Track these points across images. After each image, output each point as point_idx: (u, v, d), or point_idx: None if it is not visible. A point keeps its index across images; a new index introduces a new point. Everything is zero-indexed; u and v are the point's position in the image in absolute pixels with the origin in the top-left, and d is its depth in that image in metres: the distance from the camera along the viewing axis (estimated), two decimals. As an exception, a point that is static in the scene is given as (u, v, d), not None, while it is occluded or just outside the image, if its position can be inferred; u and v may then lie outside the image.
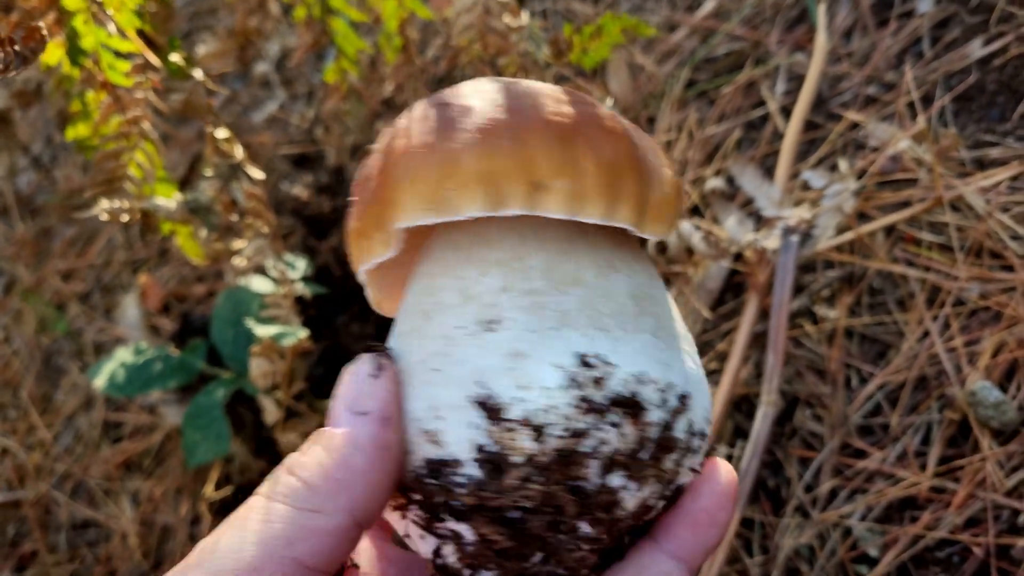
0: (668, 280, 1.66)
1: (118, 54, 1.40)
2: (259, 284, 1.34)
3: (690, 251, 1.58)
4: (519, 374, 0.61)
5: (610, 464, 0.61)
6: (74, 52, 1.44)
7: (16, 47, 1.21)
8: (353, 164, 1.87)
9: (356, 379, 0.62)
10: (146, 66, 1.42)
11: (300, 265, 1.39)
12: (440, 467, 0.61)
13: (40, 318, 2.04)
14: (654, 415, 0.63)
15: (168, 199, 1.43)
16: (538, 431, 0.60)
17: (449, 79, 1.95)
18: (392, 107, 1.87)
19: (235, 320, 1.40)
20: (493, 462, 0.60)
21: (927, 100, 1.67)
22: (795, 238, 1.44)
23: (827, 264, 1.57)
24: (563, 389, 0.61)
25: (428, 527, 0.63)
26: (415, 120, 0.64)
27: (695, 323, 1.59)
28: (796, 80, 1.82)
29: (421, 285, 0.67)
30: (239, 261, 1.30)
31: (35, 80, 1.95)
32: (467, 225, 0.66)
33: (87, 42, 1.39)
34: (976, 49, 1.69)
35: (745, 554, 1.39)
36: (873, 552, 1.33)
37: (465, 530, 0.61)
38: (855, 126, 1.69)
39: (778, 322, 1.41)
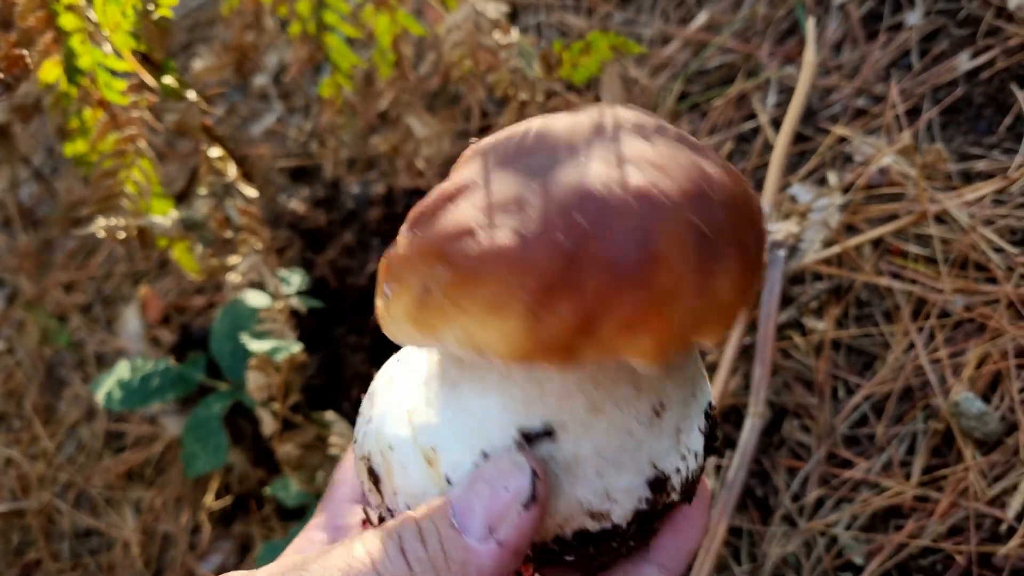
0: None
1: (114, 73, 1.43)
2: (255, 299, 1.37)
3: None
4: (682, 448, 0.67)
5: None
6: (71, 71, 1.47)
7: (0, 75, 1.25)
8: (349, 177, 1.90)
9: (505, 497, 0.60)
10: (141, 85, 1.45)
11: (295, 280, 1.42)
12: (596, 536, 0.65)
13: (43, 330, 2.08)
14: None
15: (164, 216, 1.46)
16: (688, 486, 0.69)
17: (443, 93, 1.97)
18: (387, 121, 1.90)
19: (233, 334, 1.43)
20: (642, 518, 0.66)
21: (915, 112, 1.69)
22: (782, 252, 1.46)
23: (815, 276, 1.59)
24: (703, 446, 0.70)
25: None
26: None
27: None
28: (787, 92, 1.85)
29: (571, 381, 0.63)
30: (234, 277, 1.32)
31: (34, 95, 1.97)
32: None
33: (84, 61, 1.42)
34: (964, 62, 1.71)
35: (734, 562, 1.42)
36: (858, 560, 1.35)
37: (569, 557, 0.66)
38: (843, 139, 1.72)
39: (765, 334, 1.43)
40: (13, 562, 1.84)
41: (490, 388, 0.64)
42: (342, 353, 1.74)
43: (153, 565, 1.71)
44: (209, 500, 1.68)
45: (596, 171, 0.56)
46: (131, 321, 1.93)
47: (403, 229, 0.64)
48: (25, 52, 1.12)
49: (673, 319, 0.53)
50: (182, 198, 2.00)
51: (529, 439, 0.63)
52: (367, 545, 0.60)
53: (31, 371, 2.06)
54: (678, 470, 0.67)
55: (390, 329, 0.64)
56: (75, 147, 1.72)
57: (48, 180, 2.36)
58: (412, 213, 0.65)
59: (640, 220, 0.53)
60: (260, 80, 2.22)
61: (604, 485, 0.64)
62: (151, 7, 1.35)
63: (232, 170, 1.40)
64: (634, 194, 0.54)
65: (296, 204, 1.77)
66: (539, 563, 0.66)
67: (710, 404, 0.72)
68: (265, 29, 1.92)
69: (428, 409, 0.67)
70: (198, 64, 1.92)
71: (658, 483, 0.65)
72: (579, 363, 0.55)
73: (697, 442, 0.69)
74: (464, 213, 0.58)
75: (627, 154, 0.57)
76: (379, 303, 0.65)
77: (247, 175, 1.64)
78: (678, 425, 0.67)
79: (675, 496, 0.67)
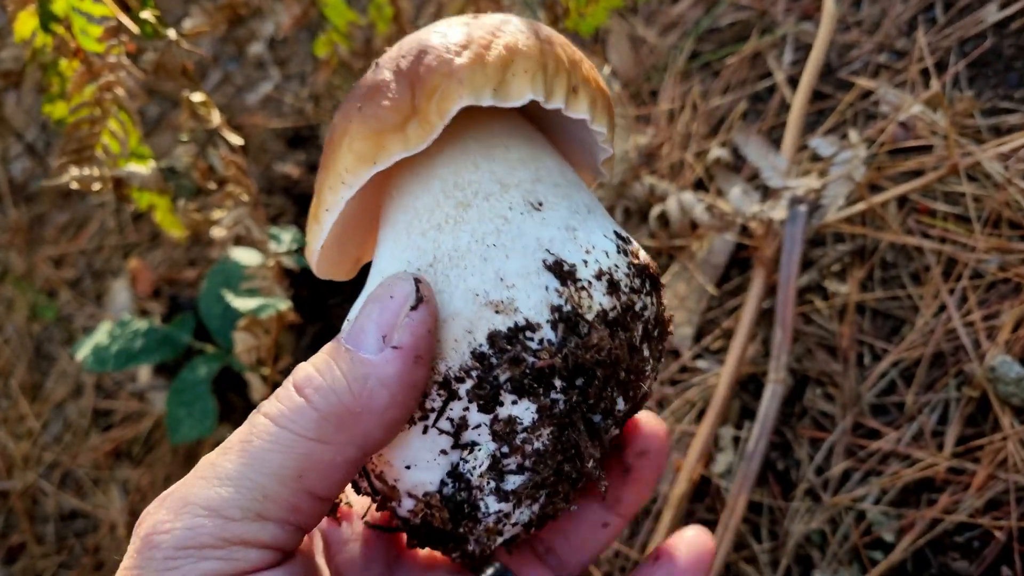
0: (671, 256, 1.59)
1: (91, 18, 1.35)
2: (245, 256, 1.28)
3: (694, 224, 1.52)
4: (581, 242, 0.66)
5: (644, 332, 0.68)
6: (46, 18, 1.39)
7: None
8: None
9: (392, 306, 0.60)
10: (119, 28, 1.36)
11: (287, 237, 1.34)
12: (513, 335, 0.62)
13: (31, 306, 2.00)
14: (657, 295, 0.70)
15: (141, 166, 1.38)
16: (613, 287, 0.65)
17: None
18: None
19: (223, 295, 1.35)
20: (569, 321, 0.63)
21: (940, 67, 1.60)
22: (803, 208, 1.37)
23: (837, 237, 1.50)
24: (618, 254, 0.68)
25: (459, 432, 0.63)
26: (439, 33, 0.67)
27: (699, 300, 1.53)
28: (804, 50, 1.75)
29: (435, 188, 0.68)
30: (219, 231, 1.24)
31: (22, 59, 1.90)
32: (436, 147, 0.69)
33: (59, 6, 1.34)
34: (991, 13, 1.61)
35: (753, 540, 1.32)
36: (888, 537, 1.26)
37: (524, 410, 0.62)
38: (865, 95, 1.62)
39: (786, 296, 1.34)
40: (-3, 546, 1.76)
41: (383, 240, 0.69)
42: (338, 324, 1.65)
43: (140, 546, 1.63)
44: (198, 478, 1.59)
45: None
46: (120, 294, 1.85)
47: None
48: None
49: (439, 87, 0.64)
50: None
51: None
52: (261, 408, 0.58)
53: (19, 348, 1.98)
54: (584, 262, 0.65)
55: (310, 249, 0.70)
56: (55, 108, 1.65)
57: (41, 155, 2.29)
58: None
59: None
60: (256, 48, 2.14)
61: (493, 269, 0.64)
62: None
63: (216, 116, 1.32)
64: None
65: (290, 168, 1.69)
66: (485, 402, 0.62)
67: (617, 234, 0.71)
68: (258, -11, 1.84)
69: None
70: (189, 23, 1.84)
71: (559, 268, 0.64)
72: (411, 141, 0.63)
73: (603, 243, 0.68)
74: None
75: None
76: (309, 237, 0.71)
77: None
78: (567, 222, 0.68)
79: (599, 298, 0.64)
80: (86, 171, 1.29)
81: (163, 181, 1.31)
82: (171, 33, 1.29)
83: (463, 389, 0.62)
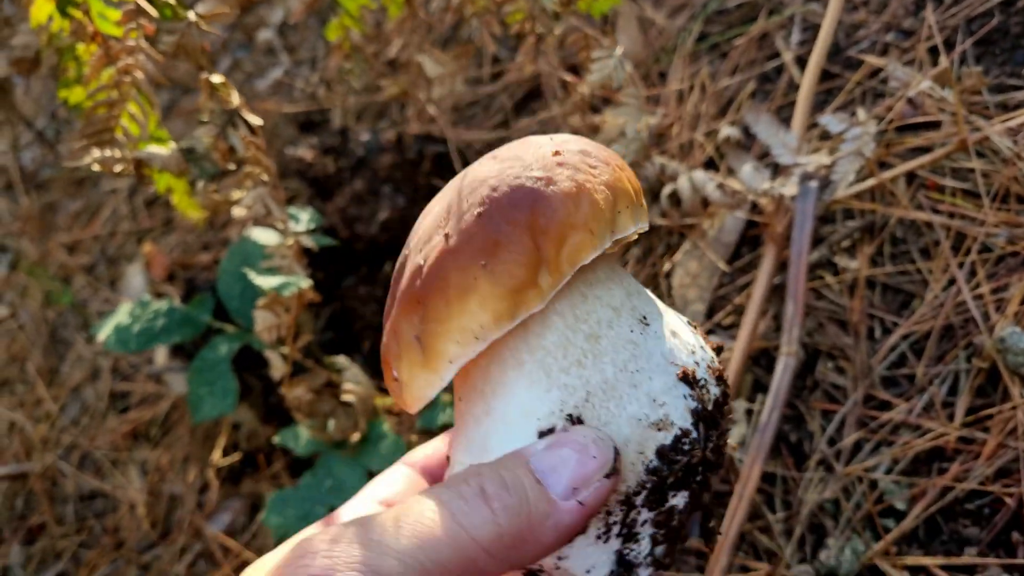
0: (682, 234, 1.62)
1: (108, 2, 1.36)
2: (263, 236, 1.30)
3: (705, 202, 1.54)
4: (684, 344, 0.75)
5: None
6: (63, 2, 1.40)
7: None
8: (359, 125, 1.84)
9: (592, 465, 0.66)
10: (138, 11, 1.37)
11: (304, 217, 1.35)
12: (676, 446, 0.70)
13: (46, 292, 2.02)
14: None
15: (162, 148, 1.39)
16: (719, 377, 0.76)
17: (455, 37, 1.90)
18: (396, 68, 1.83)
19: (241, 274, 1.36)
20: (705, 418, 0.72)
21: (948, 45, 1.61)
22: (814, 184, 1.39)
23: (847, 214, 1.52)
24: (701, 345, 0.77)
25: (631, 531, 0.71)
26: (541, 178, 0.71)
27: (711, 277, 1.55)
28: (811, 30, 1.77)
29: (559, 325, 0.73)
30: (239, 211, 1.26)
31: (34, 47, 1.91)
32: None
33: (76, -11, 1.35)
34: (999, -9, 1.63)
35: (767, 510, 1.34)
36: (900, 505, 1.28)
37: (681, 499, 0.71)
38: (873, 74, 1.64)
39: (798, 270, 1.36)
40: (18, 527, 1.78)
41: (511, 380, 0.72)
42: (352, 306, 1.67)
43: (160, 526, 1.65)
44: (217, 457, 1.61)
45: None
46: (135, 278, 1.87)
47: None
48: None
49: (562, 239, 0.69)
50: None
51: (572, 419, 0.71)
52: (441, 496, 0.63)
53: (35, 334, 2.00)
54: (696, 363, 0.74)
55: (411, 401, 0.72)
56: (72, 94, 1.66)
57: (51, 143, 2.31)
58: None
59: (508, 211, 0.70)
60: (265, 35, 2.16)
61: (645, 393, 0.70)
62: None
63: (235, 96, 1.33)
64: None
65: (304, 151, 1.70)
66: (654, 504, 0.71)
67: (689, 323, 0.81)
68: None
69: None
70: (201, 7, 1.85)
71: (687, 377, 0.72)
72: (545, 294, 0.68)
73: (695, 338, 0.77)
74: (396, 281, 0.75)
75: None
76: (391, 381, 0.73)
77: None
78: (670, 329, 0.76)
79: (712, 389, 0.74)
80: (107, 153, 1.31)
81: (183, 162, 1.33)
82: (190, 15, 1.31)
83: (639, 500, 0.70)
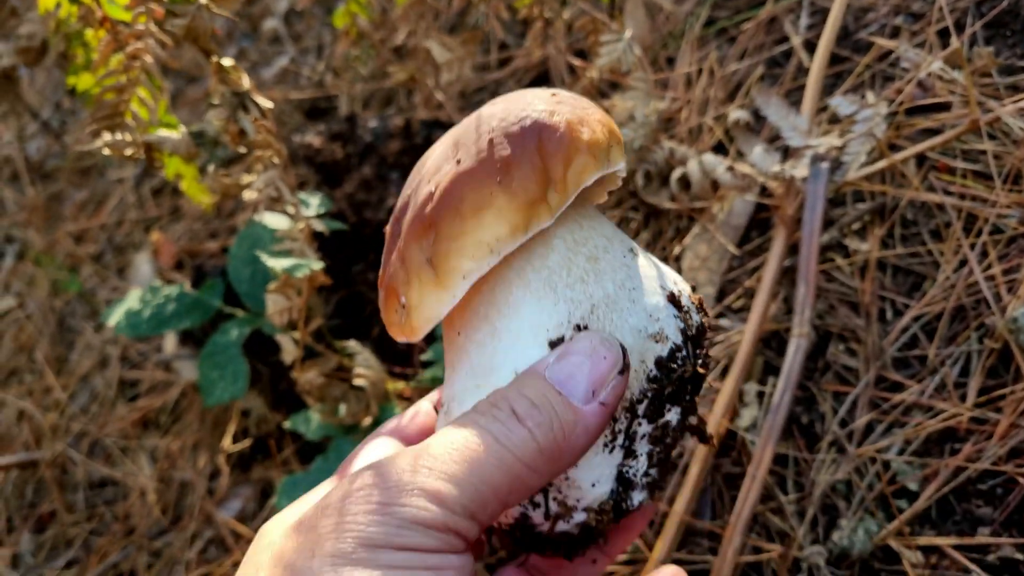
0: (691, 218, 1.61)
1: (115, -15, 1.36)
2: (274, 220, 1.30)
3: (715, 186, 1.53)
4: (666, 275, 0.83)
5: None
6: (74, -4, 1.39)
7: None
8: (366, 112, 1.83)
9: (604, 366, 0.70)
10: (146, -8, 1.37)
11: (314, 202, 1.35)
12: (671, 358, 0.77)
13: (53, 281, 2.02)
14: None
15: (172, 131, 1.39)
16: (700, 305, 0.84)
17: (462, 24, 1.90)
18: (404, 55, 1.83)
19: (252, 259, 1.36)
20: (691, 339, 0.79)
21: (958, 27, 1.61)
22: (825, 165, 1.38)
23: (857, 197, 1.52)
24: (684, 283, 0.86)
25: (631, 445, 0.76)
26: (547, 110, 0.76)
27: (721, 260, 1.54)
28: (820, 14, 1.76)
29: (561, 248, 0.78)
30: (250, 194, 1.26)
31: (39, 36, 1.91)
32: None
33: (82, -30, 1.34)
34: (1008, -27, 1.62)
35: (779, 491, 1.34)
36: (913, 486, 1.28)
37: (674, 414, 0.78)
38: (882, 58, 1.63)
39: (809, 251, 1.36)
40: (28, 515, 1.78)
41: (520, 298, 0.76)
42: (361, 292, 1.67)
43: (171, 512, 1.65)
44: (227, 443, 1.61)
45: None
46: (143, 267, 1.86)
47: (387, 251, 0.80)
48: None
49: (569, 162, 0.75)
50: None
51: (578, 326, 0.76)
52: (479, 422, 0.66)
53: (42, 323, 2.00)
54: (680, 291, 0.82)
55: (418, 325, 0.74)
56: (80, 80, 1.66)
57: (56, 133, 2.30)
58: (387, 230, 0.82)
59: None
60: (271, 23, 2.15)
61: (642, 308, 0.77)
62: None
63: (245, 80, 1.33)
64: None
65: (311, 138, 1.70)
66: (653, 415, 0.76)
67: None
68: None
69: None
70: (206, -2, 1.84)
71: (674, 300, 0.80)
72: (554, 210, 0.73)
73: (673, 273, 0.85)
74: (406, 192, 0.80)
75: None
76: (393, 312, 0.76)
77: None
78: (652, 260, 0.83)
79: (694, 315, 0.82)
80: (118, 137, 1.31)
81: (194, 146, 1.33)
82: (201, -2, 1.30)
83: (641, 408, 0.76)
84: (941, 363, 1.34)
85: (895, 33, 1.67)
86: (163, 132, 1.36)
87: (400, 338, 0.77)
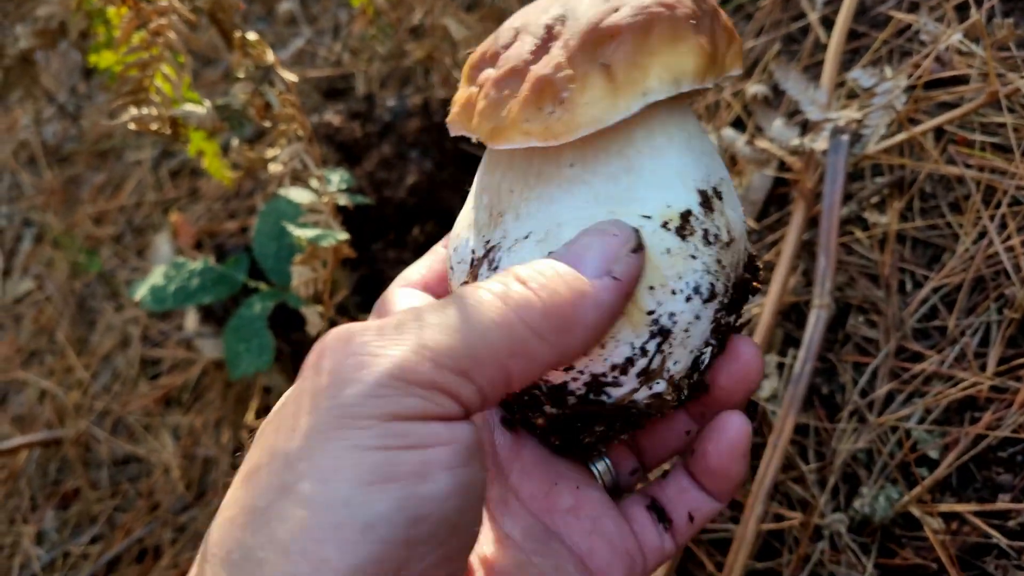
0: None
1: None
2: (298, 195, 1.31)
3: (733, 160, 1.54)
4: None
5: None
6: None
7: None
8: (383, 93, 1.84)
9: (618, 243, 0.66)
10: (170, -28, 1.38)
11: (335, 178, 1.36)
12: (751, 261, 0.78)
13: (72, 263, 2.04)
14: None
15: (198, 106, 1.40)
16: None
17: (479, 2, 1.91)
18: (421, 35, 1.84)
19: (276, 233, 1.37)
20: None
21: (976, 1, 1.61)
22: (845, 138, 1.39)
23: (875, 170, 1.52)
24: None
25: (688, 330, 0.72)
26: None
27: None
28: (837, -10, 1.77)
29: (694, 121, 0.77)
30: (275, 167, 1.27)
31: (58, 18, 1.92)
32: None
33: (104, -55, 1.35)
34: (1026, -53, 1.62)
35: (801, 461, 1.36)
36: (933, 454, 1.29)
37: (734, 318, 0.78)
38: (900, 32, 1.64)
39: (830, 224, 1.37)
40: (52, 492, 1.81)
41: (660, 147, 0.72)
42: (381, 269, 1.68)
43: (195, 488, 1.67)
44: (250, 419, 1.63)
45: None
46: (163, 247, 1.88)
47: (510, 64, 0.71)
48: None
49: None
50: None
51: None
52: (479, 286, 0.61)
53: (62, 305, 2.02)
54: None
55: (579, 122, 0.67)
56: (101, 59, 1.67)
57: (73, 116, 2.32)
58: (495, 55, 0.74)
59: None
60: (286, 5, 2.16)
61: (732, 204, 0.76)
62: None
63: (270, 54, 1.34)
64: None
65: (331, 117, 1.71)
66: (730, 311, 0.76)
67: None
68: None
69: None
70: (225, -22, 1.85)
71: (704, 196, 0.74)
72: (717, 77, 0.72)
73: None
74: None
75: None
76: (537, 109, 0.68)
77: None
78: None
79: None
80: (144, 111, 1.32)
81: (219, 120, 1.34)
82: (225, -30, 1.31)
83: (726, 298, 0.75)
84: (961, 333, 1.35)
85: (913, 8, 1.67)
86: (189, 106, 1.37)
87: (539, 139, 0.68)
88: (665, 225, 0.70)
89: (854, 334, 1.42)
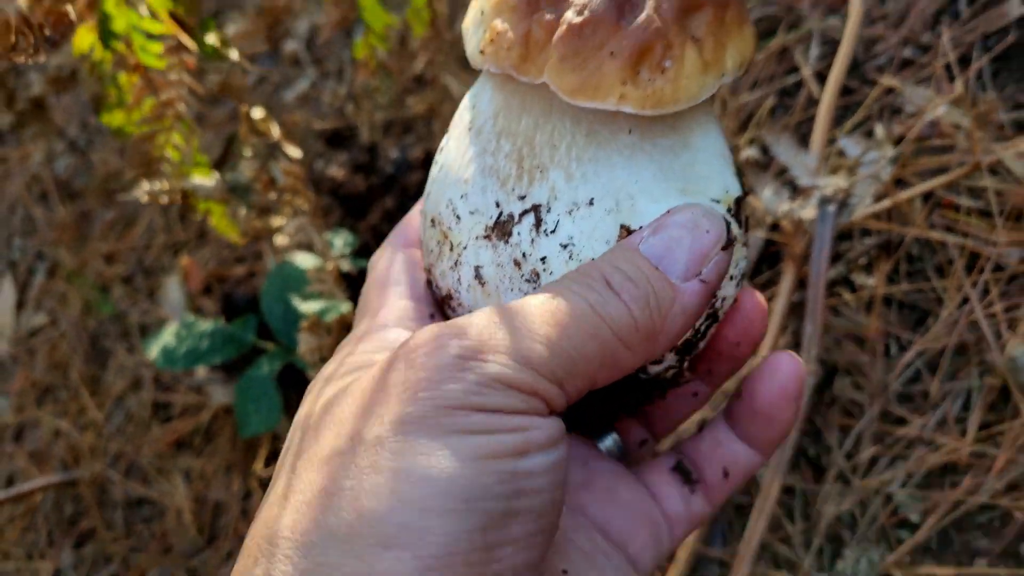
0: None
1: (150, 36, 1.42)
2: (303, 260, 1.36)
3: (726, 222, 1.59)
4: None
5: None
6: (106, 35, 1.45)
7: (46, 31, 1.24)
8: (386, 141, 1.89)
9: (711, 241, 0.63)
10: (179, 47, 1.43)
11: (339, 242, 1.42)
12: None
13: (85, 301, 2.09)
14: None
15: (207, 179, 1.45)
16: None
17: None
18: (422, 83, 1.88)
19: (283, 296, 1.43)
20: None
21: (964, 61, 1.65)
22: (832, 208, 1.44)
23: (864, 232, 1.57)
24: None
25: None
26: None
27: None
28: (830, 44, 1.80)
29: (714, 128, 0.74)
30: (281, 239, 1.32)
31: (69, 66, 1.97)
32: None
33: (119, 24, 1.40)
34: (1015, 7, 1.66)
35: (787, 521, 1.41)
36: (914, 517, 1.34)
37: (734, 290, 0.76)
38: (891, 90, 1.68)
39: (816, 292, 1.41)
40: (68, 531, 1.87)
41: (707, 125, 0.71)
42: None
43: (206, 531, 1.74)
44: (259, 467, 1.69)
45: None
46: (173, 291, 1.94)
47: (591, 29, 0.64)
48: (69, 8, 1.11)
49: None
50: (219, 165, 2.00)
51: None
52: (574, 288, 0.60)
53: (75, 342, 2.08)
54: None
55: (679, 96, 0.64)
56: (112, 117, 1.72)
57: (83, 152, 2.37)
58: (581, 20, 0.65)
59: None
60: (292, 45, 2.20)
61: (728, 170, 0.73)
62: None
63: (275, 130, 1.39)
64: None
65: (335, 170, 1.76)
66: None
67: None
68: (298, -7, 1.90)
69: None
70: (231, 29, 1.90)
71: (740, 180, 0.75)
72: (736, 73, 0.68)
73: None
74: None
75: None
76: (650, 69, 0.63)
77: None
78: None
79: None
80: (156, 185, 1.37)
81: (227, 192, 1.39)
82: (233, 54, 1.36)
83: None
84: (943, 398, 1.40)
85: (904, 65, 1.71)
86: (197, 179, 1.42)
87: (634, 105, 0.64)
88: (729, 211, 0.69)
89: (840, 396, 1.47)
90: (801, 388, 0.74)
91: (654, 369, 0.72)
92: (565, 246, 0.67)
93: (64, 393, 2.05)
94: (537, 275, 0.68)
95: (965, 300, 1.44)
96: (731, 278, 0.71)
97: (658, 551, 0.75)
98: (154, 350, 1.49)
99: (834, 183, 1.44)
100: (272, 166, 1.37)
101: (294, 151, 1.39)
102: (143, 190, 1.37)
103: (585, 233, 0.66)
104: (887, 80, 1.63)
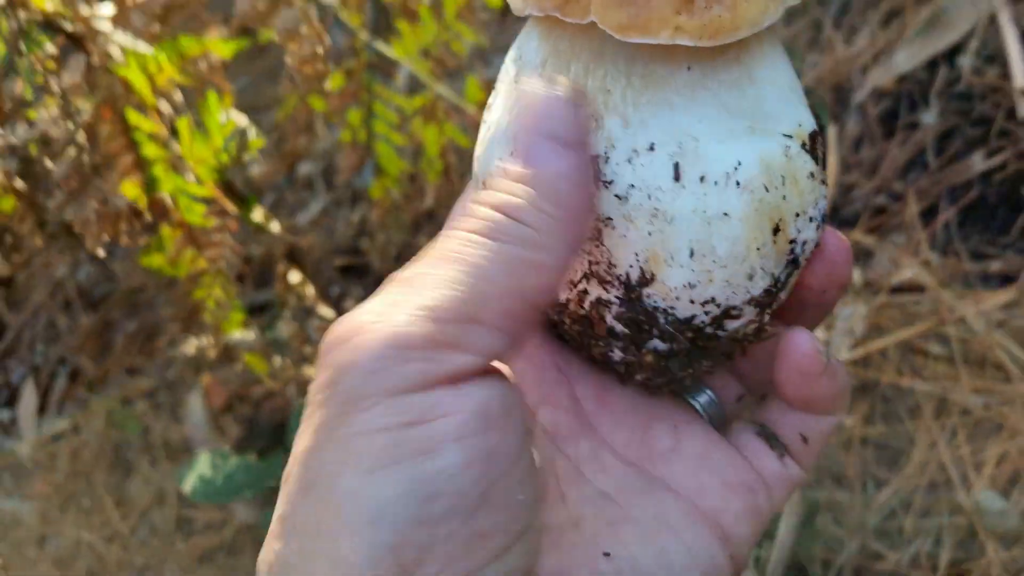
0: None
1: (195, 198, 1.55)
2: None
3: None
4: None
5: None
6: (150, 187, 1.58)
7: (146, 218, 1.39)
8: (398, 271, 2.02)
9: (550, 105, 0.58)
10: (223, 212, 1.57)
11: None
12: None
13: (108, 412, 2.20)
14: None
15: (247, 335, 1.58)
16: None
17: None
18: (432, 219, 2.02)
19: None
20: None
21: (932, 211, 1.81)
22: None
23: (842, 372, 1.71)
24: None
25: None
26: None
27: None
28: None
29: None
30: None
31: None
32: None
33: (165, 187, 1.53)
34: (978, 162, 1.83)
35: (775, 651, 1.53)
36: (891, 649, 1.47)
37: None
38: (872, 230, 1.83)
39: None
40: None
41: (774, 58, 0.66)
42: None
43: (228, 646, 1.83)
44: (280, 585, 1.79)
45: None
46: (196, 410, 2.05)
47: None
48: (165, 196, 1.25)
49: None
50: (252, 313, 2.11)
51: None
52: (465, 225, 0.57)
53: (99, 452, 2.18)
54: None
55: (739, 23, 0.59)
56: (151, 260, 1.85)
57: (103, 262, 2.49)
58: None
59: None
60: (306, 168, 2.35)
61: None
62: (240, 152, 1.47)
63: (310, 291, 1.53)
64: None
65: (350, 306, 1.89)
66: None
67: None
68: (316, 135, 2.04)
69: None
70: (255, 169, 2.04)
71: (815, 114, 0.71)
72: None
73: None
74: None
75: None
76: (705, 14, 0.59)
77: (300, 266, 1.77)
78: None
79: None
80: (203, 340, 1.50)
81: (266, 347, 1.52)
82: (274, 226, 1.50)
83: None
84: (916, 535, 1.54)
85: (877, 212, 1.87)
86: (238, 335, 1.55)
87: (692, 37, 0.58)
88: (803, 146, 0.65)
89: (823, 532, 1.60)
90: (819, 365, 0.70)
91: (731, 324, 0.67)
92: (625, 197, 0.63)
93: (87, 501, 2.14)
94: (599, 232, 0.64)
95: (935, 443, 1.58)
96: (811, 220, 0.65)
97: (757, 520, 0.70)
98: (189, 482, 1.60)
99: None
100: (307, 324, 1.50)
101: (327, 310, 1.52)
102: (191, 346, 1.50)
103: (647, 181, 0.62)
104: (858, 235, 1.79)
